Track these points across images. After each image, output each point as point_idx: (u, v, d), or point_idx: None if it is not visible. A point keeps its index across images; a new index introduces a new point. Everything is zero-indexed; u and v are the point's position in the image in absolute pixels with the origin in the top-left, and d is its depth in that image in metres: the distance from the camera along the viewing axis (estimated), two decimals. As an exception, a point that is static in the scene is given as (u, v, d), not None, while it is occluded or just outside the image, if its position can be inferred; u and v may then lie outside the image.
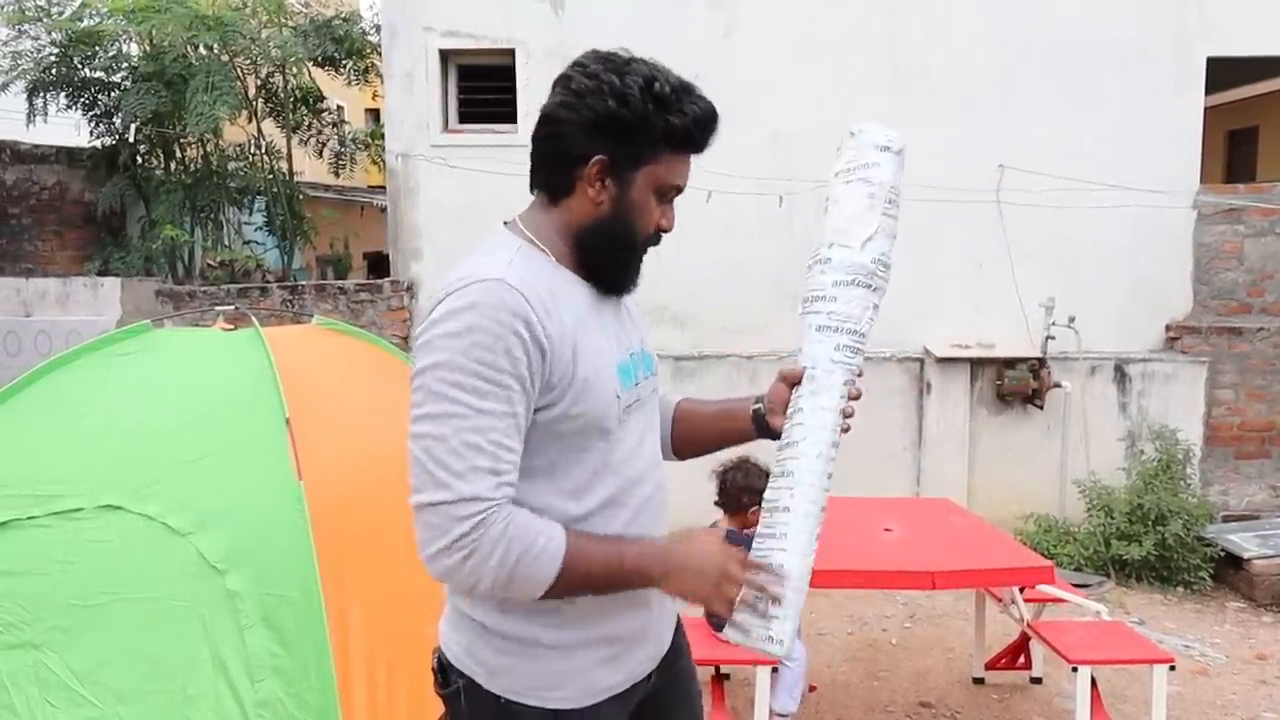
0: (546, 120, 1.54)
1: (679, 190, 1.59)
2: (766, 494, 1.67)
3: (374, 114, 14.59)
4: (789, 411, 1.69)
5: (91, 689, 2.63)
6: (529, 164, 1.60)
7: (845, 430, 1.68)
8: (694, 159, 1.60)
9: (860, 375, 1.71)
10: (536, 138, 1.56)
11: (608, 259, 1.58)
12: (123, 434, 3.06)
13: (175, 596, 2.74)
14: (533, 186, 1.60)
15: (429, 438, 1.41)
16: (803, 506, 1.63)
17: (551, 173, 1.56)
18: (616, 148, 1.50)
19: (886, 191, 1.70)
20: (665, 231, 1.61)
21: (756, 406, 1.79)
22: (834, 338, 1.68)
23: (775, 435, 1.72)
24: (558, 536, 1.43)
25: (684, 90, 1.52)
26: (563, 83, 1.54)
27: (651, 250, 1.63)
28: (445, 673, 1.63)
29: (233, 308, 4.30)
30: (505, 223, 1.61)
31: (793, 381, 1.70)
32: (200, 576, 2.75)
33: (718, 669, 3.80)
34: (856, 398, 1.69)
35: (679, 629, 1.82)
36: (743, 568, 1.54)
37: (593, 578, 1.47)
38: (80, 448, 3.02)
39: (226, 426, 3.12)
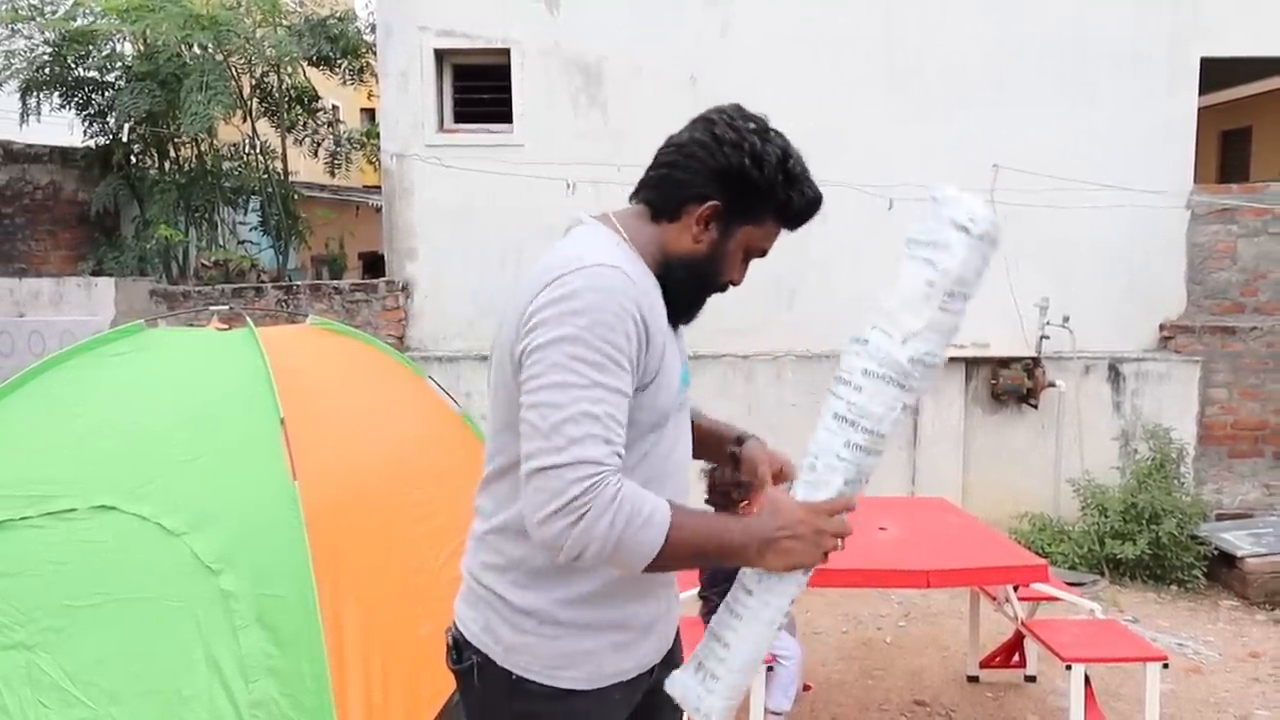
0: (679, 148, 1.61)
1: (763, 254, 1.69)
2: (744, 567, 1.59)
3: (369, 114, 14.58)
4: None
5: (84, 690, 2.63)
6: (645, 173, 1.66)
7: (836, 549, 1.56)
8: None
9: (866, 483, 1.58)
10: (663, 159, 1.63)
11: (685, 293, 1.66)
12: (116, 434, 3.06)
13: (169, 597, 2.74)
14: (637, 195, 1.67)
15: (547, 405, 1.44)
16: (767, 611, 1.57)
17: (664, 196, 1.63)
18: (733, 200, 1.59)
19: (951, 282, 1.47)
20: (735, 285, 1.71)
21: (733, 450, 1.89)
22: (847, 432, 1.54)
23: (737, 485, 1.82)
24: (663, 504, 1.47)
25: (807, 173, 1.63)
26: (705, 124, 1.61)
27: None
28: (460, 649, 1.67)
29: (227, 308, 4.30)
30: (594, 216, 1.68)
31: (774, 469, 1.79)
32: (194, 577, 2.75)
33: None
34: (850, 508, 1.56)
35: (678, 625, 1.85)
36: (828, 514, 1.53)
37: (696, 548, 1.49)
38: (74, 448, 3.02)
39: (221, 427, 3.12)
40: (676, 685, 1.60)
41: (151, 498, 2.84)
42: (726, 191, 1.58)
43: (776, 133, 1.62)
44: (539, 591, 1.58)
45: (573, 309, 1.46)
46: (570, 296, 1.46)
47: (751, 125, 1.59)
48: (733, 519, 1.60)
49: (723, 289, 1.71)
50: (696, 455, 1.91)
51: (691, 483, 1.83)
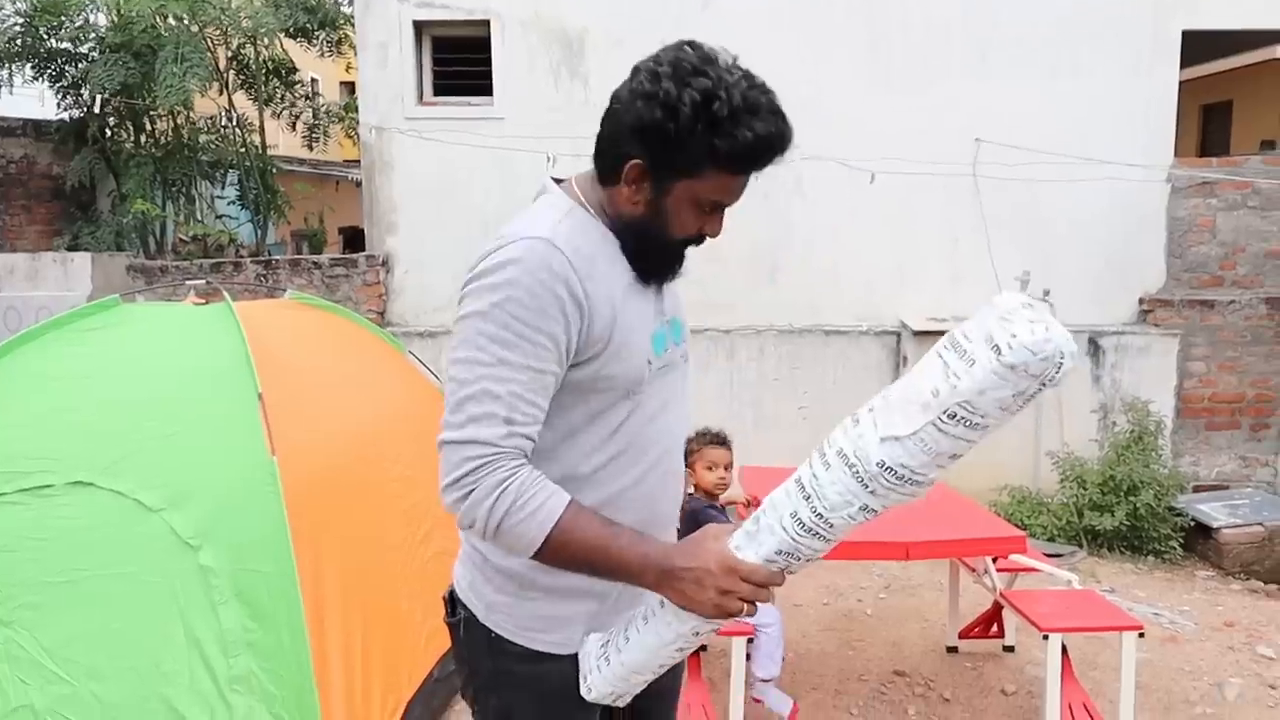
0: (610, 106, 1.53)
1: (723, 206, 1.55)
2: None
3: (349, 86, 14.43)
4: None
5: (64, 666, 2.62)
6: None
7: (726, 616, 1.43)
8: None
9: (803, 563, 1.41)
10: (602, 119, 1.55)
11: (639, 254, 1.59)
12: (93, 410, 3.04)
13: (147, 573, 2.72)
14: (594, 157, 1.60)
15: (454, 380, 1.46)
16: (668, 631, 1.48)
17: (601, 157, 1.57)
18: (655, 156, 1.48)
19: (958, 403, 1.24)
20: (712, 237, 1.59)
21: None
22: (797, 503, 1.37)
23: None
24: (556, 503, 1.43)
25: (746, 111, 1.43)
26: (634, 75, 1.49)
27: None
28: (453, 604, 1.69)
29: (205, 283, 4.25)
30: (558, 181, 1.63)
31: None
32: (173, 552, 2.73)
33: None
34: (774, 583, 1.40)
35: None
36: (742, 579, 1.39)
37: (582, 555, 1.45)
38: (50, 424, 3.00)
39: (198, 402, 3.10)
40: (584, 650, 1.59)
41: (129, 474, 2.82)
42: (646, 147, 1.47)
43: (713, 69, 1.44)
44: (513, 554, 1.56)
45: (490, 284, 1.44)
46: (490, 271, 1.45)
47: (675, 70, 1.44)
48: (643, 542, 1.46)
49: (695, 242, 1.59)
50: None
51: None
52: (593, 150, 1.58)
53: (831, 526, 1.36)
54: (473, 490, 1.41)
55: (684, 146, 1.44)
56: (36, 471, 2.82)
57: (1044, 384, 1.22)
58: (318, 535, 2.91)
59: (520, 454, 1.44)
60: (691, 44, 1.48)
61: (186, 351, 3.32)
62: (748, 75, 1.48)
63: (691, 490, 3.64)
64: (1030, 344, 1.20)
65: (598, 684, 1.56)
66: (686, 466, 3.66)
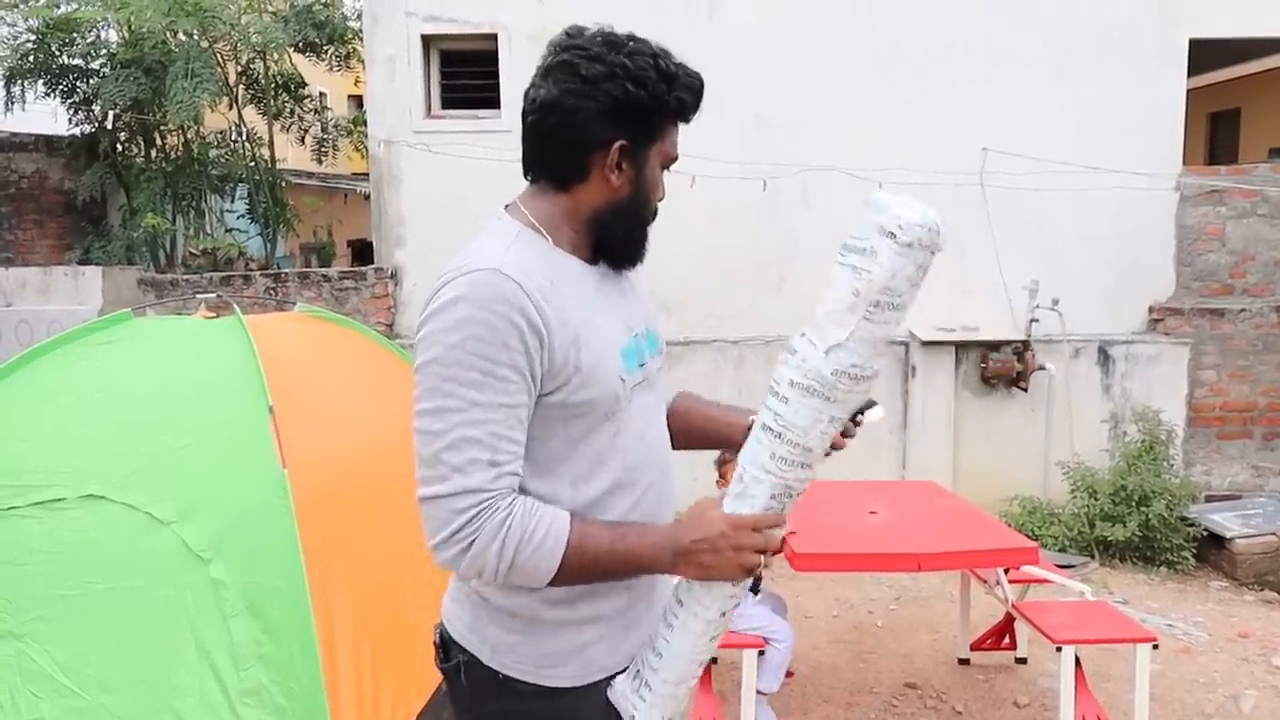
0: (555, 109, 1.49)
1: (675, 160, 1.61)
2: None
3: (357, 100, 14.50)
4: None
5: (75, 679, 2.63)
6: (521, 152, 1.58)
7: (756, 574, 1.50)
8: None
9: (796, 496, 1.50)
10: (541, 128, 1.52)
11: (626, 239, 1.59)
12: (105, 423, 3.05)
13: (159, 586, 2.73)
14: (530, 174, 1.58)
15: (428, 433, 1.41)
16: (696, 622, 1.52)
17: (562, 161, 1.53)
18: (635, 130, 1.51)
19: (877, 291, 1.37)
20: (660, 200, 1.63)
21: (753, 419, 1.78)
22: (773, 444, 1.45)
23: None
24: (560, 525, 1.43)
25: (680, 63, 1.53)
26: (567, 69, 1.48)
27: None
28: (447, 648, 1.64)
29: (215, 296, 4.27)
30: (506, 206, 1.59)
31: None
32: (184, 565, 2.74)
33: (705, 653, 3.81)
34: (778, 524, 1.48)
35: None
36: (751, 530, 1.44)
37: (599, 566, 1.46)
38: (62, 438, 3.01)
39: (210, 415, 3.11)
40: (616, 693, 1.57)
41: (141, 487, 2.82)
42: (625, 126, 1.49)
43: (633, 39, 1.51)
44: (516, 592, 1.53)
45: (444, 326, 1.40)
46: (441, 311, 1.41)
47: (611, 47, 1.48)
48: (649, 532, 1.49)
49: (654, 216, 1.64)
50: (703, 445, 1.84)
51: (699, 467, 1.78)
52: (536, 161, 1.56)
53: (810, 450, 1.46)
54: (474, 540, 1.39)
55: (657, 109, 1.50)
56: (49, 485, 2.84)
57: (934, 251, 1.40)
58: (328, 548, 2.92)
59: (511, 492, 1.43)
60: (579, 28, 1.53)
61: (198, 365, 3.33)
62: (655, 46, 1.53)
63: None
64: (917, 220, 1.36)
65: (649, 716, 1.53)
66: (721, 477, 3.65)
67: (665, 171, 1.60)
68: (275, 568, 2.78)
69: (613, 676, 1.61)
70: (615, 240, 1.57)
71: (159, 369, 3.32)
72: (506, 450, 1.41)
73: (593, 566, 1.45)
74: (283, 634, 2.73)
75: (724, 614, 1.53)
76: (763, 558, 1.46)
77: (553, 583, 1.44)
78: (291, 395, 3.17)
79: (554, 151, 1.53)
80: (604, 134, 1.49)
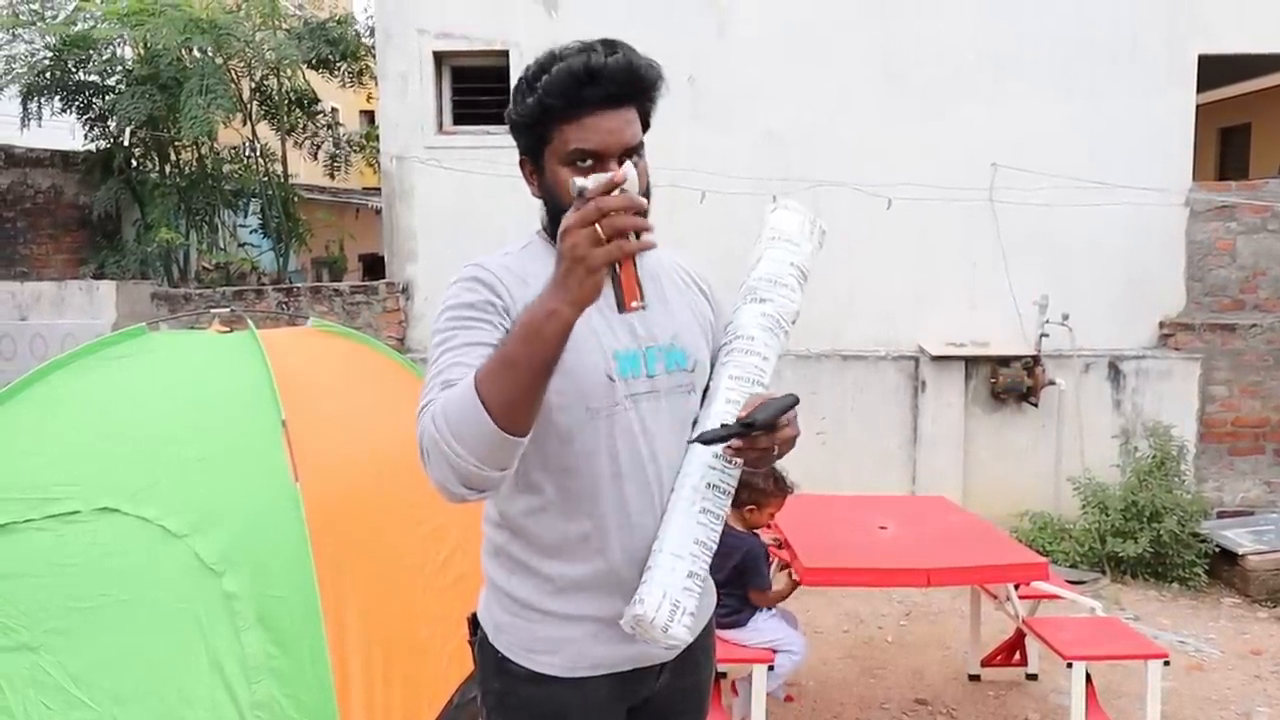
0: None
1: (590, 153, 1.50)
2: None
3: (369, 116, 14.59)
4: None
5: (88, 691, 2.64)
6: None
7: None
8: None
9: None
10: None
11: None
12: (119, 437, 3.07)
13: (172, 598, 2.74)
14: None
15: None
16: (684, 489, 1.60)
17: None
18: (522, 145, 1.61)
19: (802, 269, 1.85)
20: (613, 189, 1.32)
21: None
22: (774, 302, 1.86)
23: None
24: (465, 384, 1.37)
25: (550, 62, 1.53)
26: None
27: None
28: (474, 625, 1.74)
29: (228, 310, 4.30)
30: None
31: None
32: (197, 578, 2.75)
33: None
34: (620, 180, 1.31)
35: (709, 645, 1.83)
36: (595, 204, 1.27)
37: (511, 374, 1.33)
38: (77, 451, 3.03)
39: (223, 429, 3.13)
40: (626, 615, 1.55)
41: (154, 500, 2.84)
42: (518, 144, 1.62)
43: (540, 59, 1.56)
44: (521, 579, 1.63)
45: (438, 314, 1.58)
46: (439, 310, 1.59)
47: (524, 71, 1.58)
48: (522, 318, 1.36)
49: None
50: None
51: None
52: None
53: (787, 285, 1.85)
54: (421, 437, 1.41)
55: (528, 117, 1.55)
56: (64, 498, 2.86)
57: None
58: (340, 561, 2.93)
59: None
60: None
61: (211, 379, 3.36)
62: (584, 42, 1.55)
63: (740, 529, 3.59)
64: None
65: (648, 591, 1.52)
66: (745, 505, 3.64)
67: (593, 166, 1.49)
68: (287, 581, 2.80)
69: (612, 676, 1.63)
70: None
71: (173, 383, 3.35)
72: (460, 371, 1.45)
73: (505, 377, 1.33)
74: (294, 646, 2.74)
75: (710, 485, 1.58)
76: (634, 220, 1.28)
77: (494, 419, 1.32)
78: (304, 409, 3.19)
79: None
80: (519, 153, 1.63)
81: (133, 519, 2.81)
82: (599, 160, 1.51)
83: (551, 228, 1.58)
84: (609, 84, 1.51)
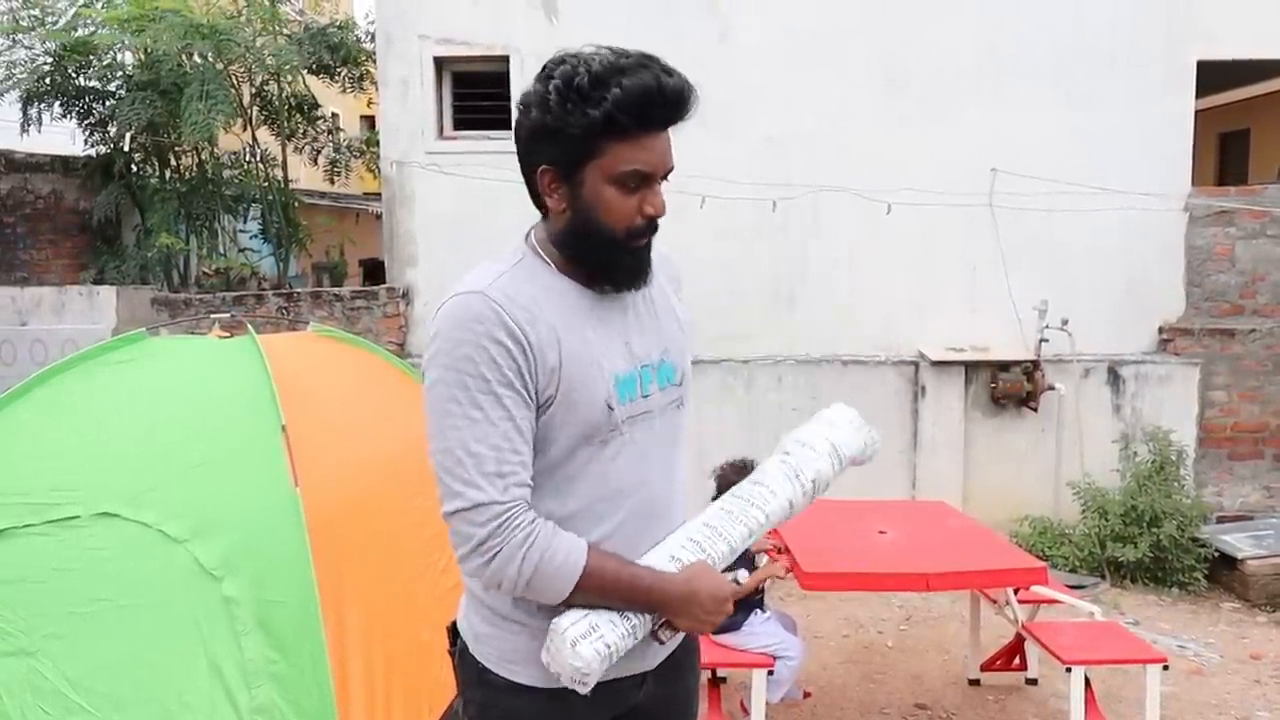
0: (514, 136, 1.59)
1: (644, 175, 1.51)
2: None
3: (369, 121, 14.60)
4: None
5: (87, 696, 2.64)
6: None
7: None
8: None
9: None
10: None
11: (590, 259, 1.58)
12: (119, 442, 3.07)
13: (171, 603, 2.75)
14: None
15: (438, 453, 1.50)
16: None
17: (528, 186, 1.59)
18: (554, 154, 1.51)
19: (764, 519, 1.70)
20: (654, 217, 1.54)
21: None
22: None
23: None
24: (578, 554, 1.49)
25: (609, 74, 1.45)
26: (523, 96, 1.55)
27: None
28: (454, 635, 1.73)
29: (228, 315, 4.31)
30: (527, 233, 1.66)
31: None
32: (197, 583, 2.76)
33: (714, 673, 3.81)
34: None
35: (693, 650, 1.83)
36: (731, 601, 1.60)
37: (607, 595, 1.52)
38: (77, 456, 3.03)
39: (223, 434, 3.14)
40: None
41: (154, 505, 2.85)
42: (545, 151, 1.51)
43: (565, 61, 1.48)
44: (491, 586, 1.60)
45: (437, 350, 1.50)
46: (434, 338, 1.51)
47: (542, 72, 1.50)
48: (658, 579, 1.55)
49: (645, 230, 1.55)
50: None
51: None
52: None
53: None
54: (498, 552, 1.45)
55: (567, 129, 1.46)
56: (64, 503, 2.86)
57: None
58: (340, 566, 2.93)
59: (525, 505, 1.48)
60: (563, 53, 1.52)
61: (211, 384, 3.36)
62: (614, 49, 1.50)
63: None
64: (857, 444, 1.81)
65: (569, 609, 1.53)
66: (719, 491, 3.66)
67: (639, 188, 1.51)
68: (287, 585, 2.80)
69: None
70: (584, 261, 1.58)
71: (173, 388, 3.35)
72: (510, 460, 1.47)
73: (601, 593, 1.51)
74: (294, 651, 2.74)
75: (690, 539, 1.64)
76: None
77: (571, 597, 1.50)
78: (304, 414, 3.19)
79: (524, 178, 1.59)
80: (533, 160, 1.54)
81: (132, 524, 2.81)
82: (647, 182, 1.52)
83: (575, 244, 1.55)
84: (675, 107, 1.50)
